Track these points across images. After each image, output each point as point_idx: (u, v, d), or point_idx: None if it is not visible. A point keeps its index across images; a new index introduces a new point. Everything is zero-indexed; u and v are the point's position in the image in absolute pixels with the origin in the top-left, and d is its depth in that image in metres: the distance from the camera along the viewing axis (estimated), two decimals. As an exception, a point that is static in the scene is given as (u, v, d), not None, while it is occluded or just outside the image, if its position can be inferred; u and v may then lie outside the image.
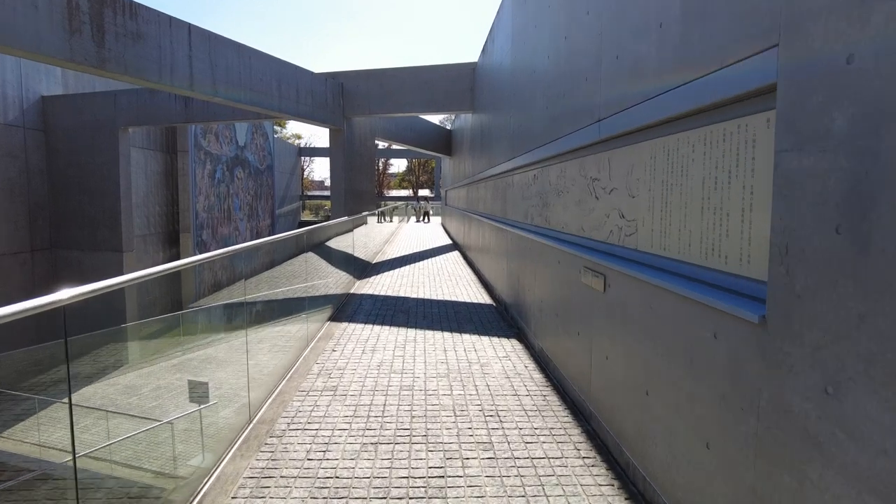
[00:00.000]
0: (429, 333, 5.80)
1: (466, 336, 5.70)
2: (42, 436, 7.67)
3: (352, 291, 8.43)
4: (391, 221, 28.91)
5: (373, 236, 16.91)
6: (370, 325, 6.17)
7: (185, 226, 21.93)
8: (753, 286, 1.84)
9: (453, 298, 7.92)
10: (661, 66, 2.48)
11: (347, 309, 7.10)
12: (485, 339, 5.60)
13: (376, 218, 27.77)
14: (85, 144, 14.50)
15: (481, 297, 8.05)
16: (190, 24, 8.00)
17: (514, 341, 5.50)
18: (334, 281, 9.13)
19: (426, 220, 32.63)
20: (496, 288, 7.92)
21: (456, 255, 13.95)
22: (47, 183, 14.84)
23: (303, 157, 45.69)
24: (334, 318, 6.61)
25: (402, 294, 8.25)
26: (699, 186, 2.21)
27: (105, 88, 15.31)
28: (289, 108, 10.54)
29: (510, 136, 6.72)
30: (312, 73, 11.22)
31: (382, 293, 8.35)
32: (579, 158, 3.88)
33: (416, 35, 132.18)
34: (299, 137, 55.58)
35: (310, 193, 48.04)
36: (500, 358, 4.91)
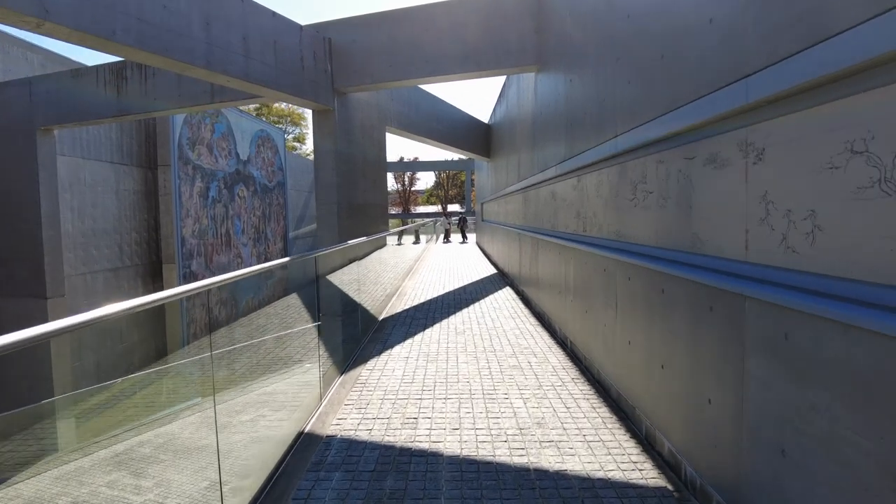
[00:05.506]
0: None
1: None
2: None
3: (307, 429, 3.67)
4: (418, 243, 24.55)
5: (389, 266, 12.36)
6: None
7: (168, 255, 17.97)
8: None
9: (556, 466, 3.25)
10: None
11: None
12: None
13: (396, 239, 23.20)
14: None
15: (609, 435, 3.38)
16: None
17: None
18: (279, 399, 4.57)
19: (447, 239, 28.38)
20: (642, 413, 3.24)
21: (508, 294, 9.28)
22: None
23: (323, 174, 42.03)
24: None
25: (424, 430, 3.58)
26: None
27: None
28: (231, 68, 6.18)
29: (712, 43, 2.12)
30: (275, 13, 6.86)
31: (380, 429, 3.64)
32: None
33: None
34: (321, 153, 52.00)
35: (331, 212, 44.26)
36: None
